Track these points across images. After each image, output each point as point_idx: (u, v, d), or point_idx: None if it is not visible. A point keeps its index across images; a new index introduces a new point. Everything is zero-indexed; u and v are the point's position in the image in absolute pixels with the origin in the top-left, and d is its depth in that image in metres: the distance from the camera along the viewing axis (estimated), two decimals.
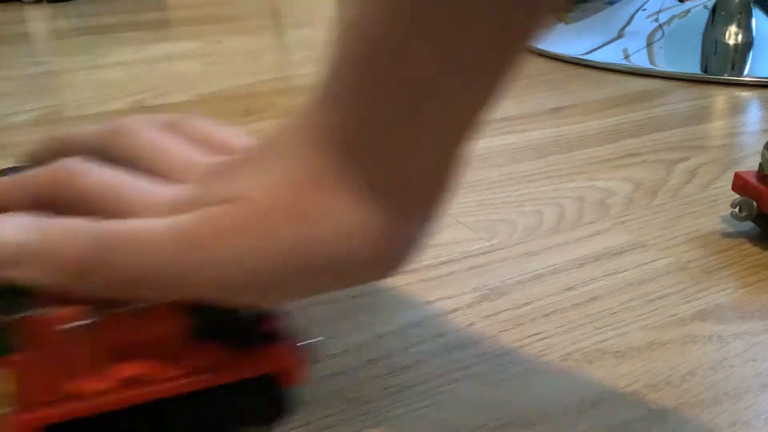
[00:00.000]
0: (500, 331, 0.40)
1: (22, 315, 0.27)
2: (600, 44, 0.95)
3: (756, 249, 0.47)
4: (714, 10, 0.94)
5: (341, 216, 0.26)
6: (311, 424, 0.33)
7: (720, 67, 0.88)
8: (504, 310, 0.41)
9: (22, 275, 0.27)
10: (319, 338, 0.35)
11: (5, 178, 0.31)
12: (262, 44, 1.09)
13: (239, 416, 0.31)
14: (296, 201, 0.27)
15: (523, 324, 0.40)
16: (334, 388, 0.35)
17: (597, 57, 0.91)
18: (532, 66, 0.93)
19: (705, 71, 0.85)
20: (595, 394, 0.35)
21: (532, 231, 0.51)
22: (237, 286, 0.27)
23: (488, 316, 0.41)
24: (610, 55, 0.91)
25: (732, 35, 0.91)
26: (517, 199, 0.56)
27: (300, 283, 0.27)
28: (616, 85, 0.84)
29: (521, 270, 0.46)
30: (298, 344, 0.31)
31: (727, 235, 0.49)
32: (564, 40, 0.99)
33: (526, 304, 0.42)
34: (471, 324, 0.40)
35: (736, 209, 0.48)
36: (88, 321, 0.27)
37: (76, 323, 0.27)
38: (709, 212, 0.52)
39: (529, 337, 0.39)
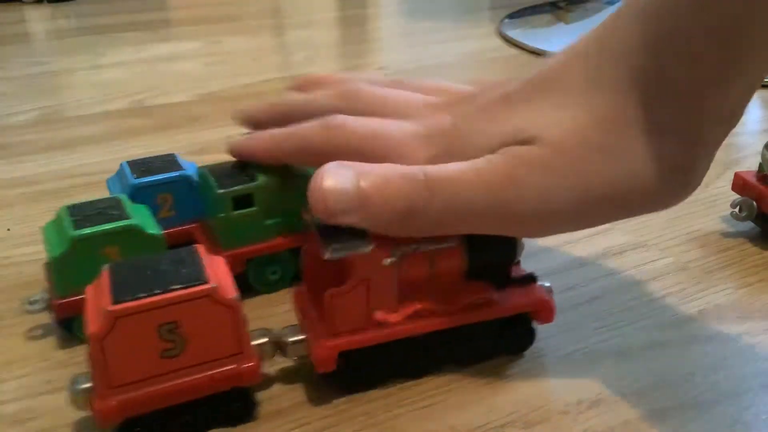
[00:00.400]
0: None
1: (361, 251, 0.31)
2: None
3: (756, 249, 0.47)
4: None
5: (644, 149, 0.29)
6: (311, 424, 0.33)
7: None
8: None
9: (357, 220, 0.30)
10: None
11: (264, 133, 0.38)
12: (262, 44, 1.09)
13: (500, 348, 0.36)
14: (604, 137, 0.29)
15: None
16: (329, 388, 0.35)
17: None
18: (532, 66, 0.93)
19: None
20: (595, 394, 0.35)
21: None
22: (545, 218, 0.30)
23: None
24: None
25: None
26: None
27: (599, 213, 0.31)
28: None
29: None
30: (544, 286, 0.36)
31: (727, 235, 0.49)
32: (561, 41, 0.99)
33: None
34: None
35: (736, 209, 0.48)
36: (397, 258, 0.32)
37: (394, 259, 0.31)
38: (709, 212, 0.52)
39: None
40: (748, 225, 0.49)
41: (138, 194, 0.43)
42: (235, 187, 0.40)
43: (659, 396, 0.35)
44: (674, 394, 0.35)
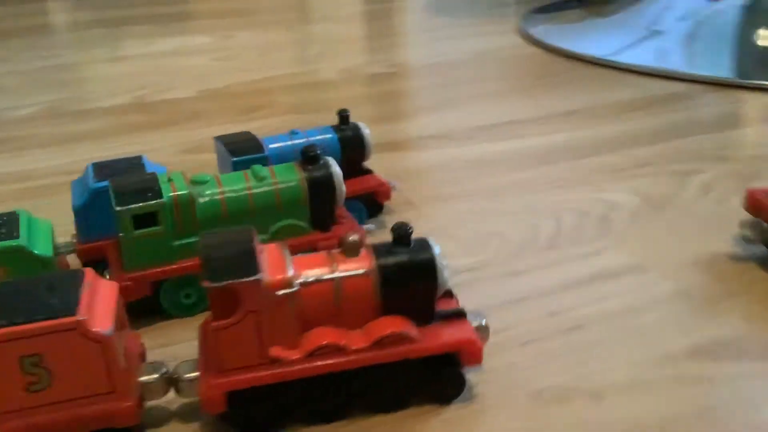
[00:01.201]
0: None
1: (244, 279, 0.28)
2: (625, 45, 0.90)
3: (765, 275, 0.43)
4: (747, 11, 0.89)
5: None
6: None
7: (754, 70, 0.82)
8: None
9: None
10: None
11: None
12: (275, 39, 1.06)
13: (423, 393, 0.32)
14: None
15: (493, 353, 0.36)
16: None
17: (621, 58, 0.86)
18: (551, 66, 0.89)
19: (737, 75, 0.80)
20: None
21: (523, 247, 0.47)
22: None
23: None
24: (635, 56, 0.86)
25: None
26: (514, 210, 0.52)
27: None
28: (638, 88, 0.79)
29: (504, 291, 0.42)
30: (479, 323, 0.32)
31: (736, 259, 0.45)
32: (588, 39, 0.94)
33: (503, 330, 0.39)
34: None
35: (747, 231, 0.44)
36: (294, 288, 0.29)
37: (290, 290, 0.29)
38: (721, 232, 0.47)
39: (498, 368, 0.35)
40: (761, 249, 0.45)
41: (97, 198, 0.40)
42: (135, 205, 0.37)
43: None
44: None
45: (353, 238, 0.31)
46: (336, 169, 0.41)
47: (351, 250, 0.31)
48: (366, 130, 0.48)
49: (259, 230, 0.40)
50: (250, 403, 0.30)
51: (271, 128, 0.60)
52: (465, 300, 0.37)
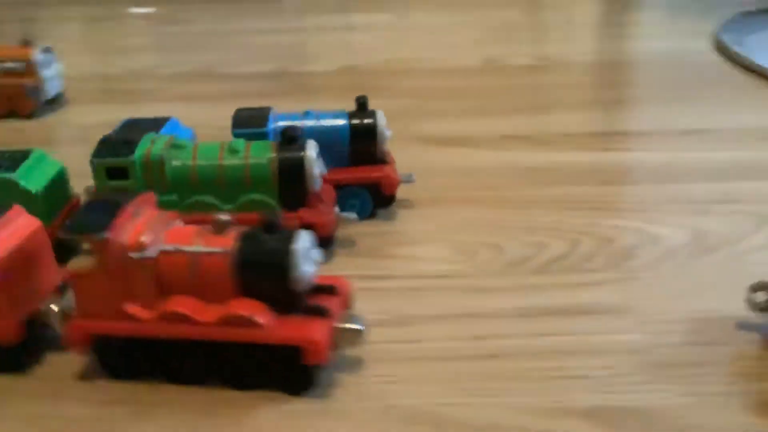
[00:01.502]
0: (350, 364, 0.36)
1: (92, 237, 0.31)
2: None
3: (758, 353, 0.36)
4: None
5: None
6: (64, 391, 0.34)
7: None
8: (381, 342, 0.37)
9: None
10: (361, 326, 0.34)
11: None
12: (452, 21, 1.06)
13: (271, 380, 0.33)
14: None
15: (377, 361, 0.36)
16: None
17: None
18: (717, 76, 0.78)
19: None
20: None
21: (515, 264, 0.44)
22: None
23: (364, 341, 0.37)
24: None
25: None
26: (538, 225, 0.48)
27: None
28: None
29: (453, 305, 0.40)
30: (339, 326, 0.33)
31: (740, 326, 0.37)
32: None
33: (414, 341, 0.37)
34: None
35: (754, 294, 0.36)
36: (148, 254, 0.31)
37: (144, 254, 0.31)
38: (738, 284, 0.40)
39: (370, 376, 0.35)
40: None
41: None
42: (108, 158, 0.40)
43: None
44: None
45: (222, 217, 0.33)
46: (310, 153, 0.42)
47: (218, 229, 0.33)
48: (382, 120, 0.48)
49: (227, 201, 0.43)
50: (109, 351, 0.34)
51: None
52: (402, 305, 0.38)
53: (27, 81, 0.71)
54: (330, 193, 0.46)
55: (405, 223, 0.49)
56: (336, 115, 0.48)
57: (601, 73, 0.82)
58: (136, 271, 0.32)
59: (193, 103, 0.75)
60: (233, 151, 0.42)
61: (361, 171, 0.48)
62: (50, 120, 0.72)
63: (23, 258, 0.34)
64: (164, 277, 0.32)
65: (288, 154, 0.42)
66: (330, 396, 0.34)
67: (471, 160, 0.59)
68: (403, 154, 0.55)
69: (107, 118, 0.55)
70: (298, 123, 0.48)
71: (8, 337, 0.34)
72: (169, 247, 0.32)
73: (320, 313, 0.33)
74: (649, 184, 0.54)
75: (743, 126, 0.64)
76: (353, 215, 0.45)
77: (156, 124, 0.48)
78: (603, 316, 0.39)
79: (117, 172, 0.41)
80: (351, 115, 0.48)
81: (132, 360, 0.34)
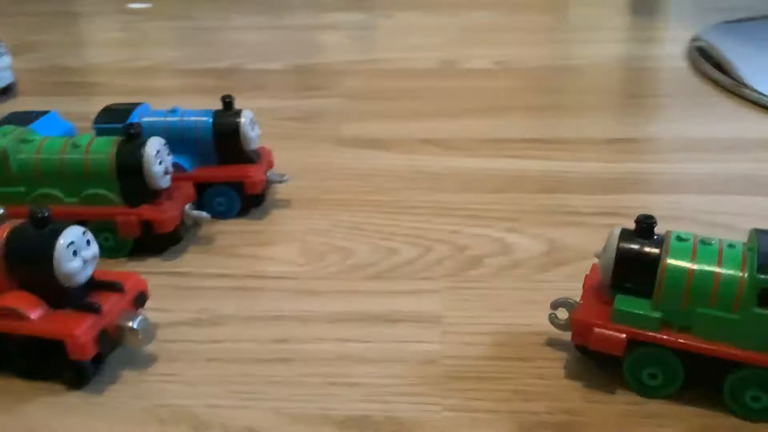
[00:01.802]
0: (139, 361, 0.36)
1: None
2: None
3: (548, 371, 0.34)
4: None
5: None
6: None
7: None
8: (182, 341, 0.37)
9: None
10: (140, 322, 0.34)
11: None
12: (430, 23, 1.06)
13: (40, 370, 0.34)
14: None
15: (171, 360, 0.36)
16: None
17: None
18: (677, 85, 0.76)
19: None
20: None
21: (357, 268, 0.44)
22: None
23: (164, 340, 0.37)
24: None
25: None
26: (401, 231, 0.48)
27: None
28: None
29: (275, 306, 0.40)
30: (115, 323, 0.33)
31: (540, 343, 0.36)
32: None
33: (216, 342, 0.37)
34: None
35: (555, 312, 0.35)
36: None
37: None
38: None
39: (149, 374, 0.35)
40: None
41: None
42: None
43: None
44: None
45: None
46: (148, 150, 0.42)
47: None
48: (244, 119, 0.48)
49: (71, 194, 0.44)
50: None
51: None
52: (226, 305, 0.40)
53: None
54: (186, 191, 0.46)
55: (269, 223, 0.49)
56: (202, 113, 0.49)
57: (551, 78, 0.80)
58: None
59: (145, 97, 0.76)
60: (75, 146, 0.43)
61: (225, 170, 0.48)
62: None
63: None
64: None
65: (125, 151, 0.43)
66: (104, 392, 0.34)
67: (378, 163, 0.58)
68: (311, 154, 0.56)
69: (56, 108, 0.56)
70: (161, 119, 0.48)
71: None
72: None
73: (91, 309, 0.33)
74: (542, 193, 0.52)
75: (680, 136, 0.62)
76: (204, 214, 0.45)
77: (30, 117, 0.49)
78: (412, 325, 0.38)
79: None
80: (216, 114, 0.48)
81: None
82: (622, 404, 0.33)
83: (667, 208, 0.49)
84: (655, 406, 0.32)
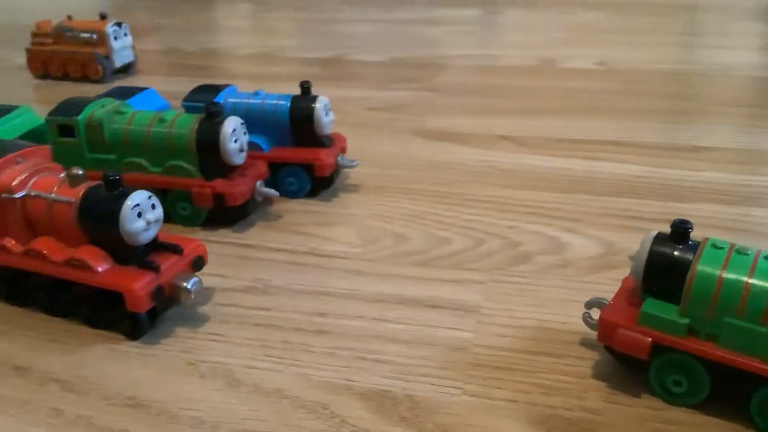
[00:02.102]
0: (194, 319, 0.39)
1: None
2: None
3: (573, 369, 0.34)
4: None
5: None
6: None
7: None
8: (236, 305, 0.40)
9: None
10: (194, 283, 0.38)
11: None
12: (532, 20, 1.05)
13: (104, 320, 0.38)
14: None
15: (222, 321, 0.39)
16: None
17: None
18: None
19: None
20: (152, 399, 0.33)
21: (408, 254, 0.45)
22: None
23: (218, 303, 0.40)
24: None
25: None
26: (458, 222, 0.49)
27: None
28: None
29: (324, 282, 0.42)
30: (171, 281, 0.37)
31: (573, 341, 0.36)
32: None
33: (264, 309, 0.40)
34: (196, 304, 0.40)
35: (590, 311, 0.35)
36: (13, 195, 0.37)
37: (11, 195, 0.37)
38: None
39: (190, 334, 0.38)
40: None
41: None
42: (59, 117, 0.46)
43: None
44: None
45: (76, 172, 0.37)
46: (225, 128, 0.46)
47: (73, 181, 0.37)
48: (319, 105, 0.50)
49: (156, 164, 0.48)
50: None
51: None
52: (282, 276, 0.42)
53: (98, 50, 0.81)
54: (260, 169, 0.49)
55: (335, 205, 0.52)
56: (282, 98, 0.51)
57: (650, 82, 0.78)
58: (6, 209, 0.37)
59: (252, 82, 0.81)
60: (161, 120, 0.47)
61: (297, 152, 0.51)
62: (115, 85, 0.81)
63: None
64: (30, 217, 0.37)
65: (205, 128, 0.46)
66: (156, 344, 0.37)
67: (451, 157, 0.59)
68: (389, 143, 0.58)
69: (167, 87, 0.61)
70: (244, 101, 0.51)
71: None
72: (33, 192, 0.37)
73: (150, 267, 0.36)
74: (610, 196, 0.52)
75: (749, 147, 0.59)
76: (273, 192, 0.48)
77: (131, 92, 0.54)
78: (450, 312, 0.39)
79: (66, 130, 0.48)
80: (293, 99, 0.51)
81: (9, 286, 0.40)
82: (643, 408, 0.32)
83: (738, 220, 0.47)
84: (677, 413, 0.32)
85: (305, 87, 0.51)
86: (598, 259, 0.44)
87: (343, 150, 0.53)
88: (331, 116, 0.51)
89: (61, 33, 0.82)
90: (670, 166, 0.56)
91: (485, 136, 0.63)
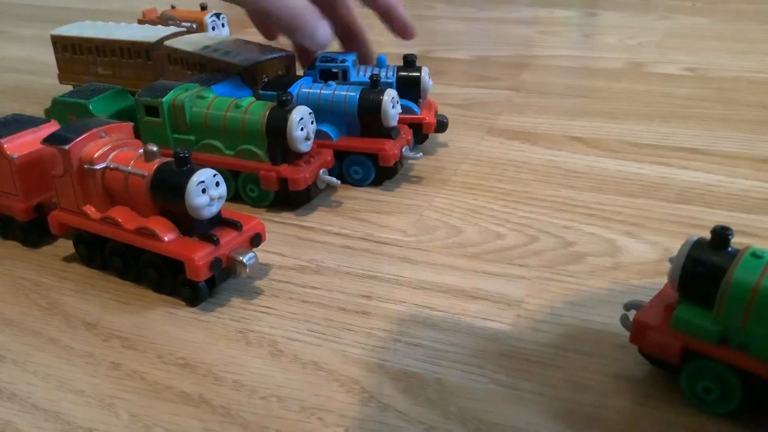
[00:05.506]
0: (248, 292, 0.42)
1: (60, 148, 0.41)
2: None
3: (604, 369, 0.35)
4: None
5: None
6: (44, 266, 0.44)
7: None
8: (288, 282, 0.42)
9: None
10: (250, 258, 0.40)
11: None
12: (628, 23, 1.03)
13: (170, 286, 0.41)
14: None
15: (273, 296, 0.41)
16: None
17: None
18: None
19: None
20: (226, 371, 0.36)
21: (460, 246, 0.46)
22: None
23: (273, 279, 0.43)
24: None
25: None
26: (514, 218, 0.49)
27: None
28: None
29: (373, 266, 0.44)
30: (229, 255, 0.40)
31: (610, 342, 0.36)
32: None
33: (313, 287, 0.42)
34: (252, 277, 0.43)
35: (628, 313, 0.35)
36: (95, 166, 0.41)
37: (95, 166, 0.41)
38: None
39: (253, 305, 0.41)
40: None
41: None
42: (146, 98, 0.50)
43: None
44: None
45: (151, 148, 0.40)
46: (293, 116, 0.48)
47: (148, 157, 0.41)
48: (386, 97, 0.52)
49: (230, 147, 0.51)
50: (77, 240, 0.44)
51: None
52: (334, 258, 0.45)
53: None
54: (325, 157, 0.51)
55: (396, 195, 0.53)
56: (351, 89, 0.53)
57: (741, 90, 0.75)
58: (88, 179, 0.41)
59: None
60: (237, 106, 0.50)
61: (363, 142, 0.53)
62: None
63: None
64: (109, 187, 0.41)
65: (274, 115, 0.49)
66: (212, 311, 0.40)
67: (519, 155, 0.60)
68: (460, 139, 0.61)
69: None
70: (316, 91, 0.54)
71: (22, 215, 0.45)
72: (112, 164, 0.41)
73: (210, 240, 0.39)
74: (677, 203, 0.51)
75: None
76: (335, 180, 0.50)
77: (215, 80, 0.57)
78: (491, 304, 0.40)
79: (152, 110, 0.51)
80: (362, 91, 0.53)
81: (89, 250, 0.44)
82: (671, 413, 0.32)
83: None
84: (706, 421, 0.32)
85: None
86: (652, 264, 0.43)
87: (408, 142, 0.55)
88: (398, 108, 0.53)
89: (164, 21, 0.87)
90: (745, 176, 0.54)
91: (557, 136, 0.63)
